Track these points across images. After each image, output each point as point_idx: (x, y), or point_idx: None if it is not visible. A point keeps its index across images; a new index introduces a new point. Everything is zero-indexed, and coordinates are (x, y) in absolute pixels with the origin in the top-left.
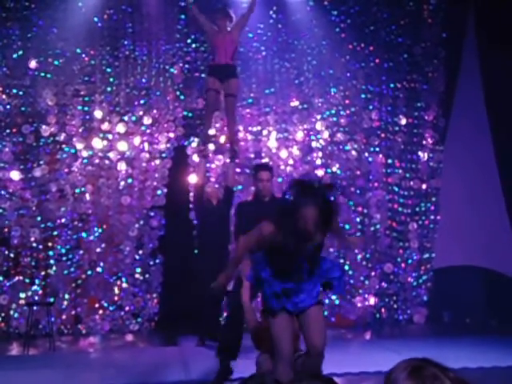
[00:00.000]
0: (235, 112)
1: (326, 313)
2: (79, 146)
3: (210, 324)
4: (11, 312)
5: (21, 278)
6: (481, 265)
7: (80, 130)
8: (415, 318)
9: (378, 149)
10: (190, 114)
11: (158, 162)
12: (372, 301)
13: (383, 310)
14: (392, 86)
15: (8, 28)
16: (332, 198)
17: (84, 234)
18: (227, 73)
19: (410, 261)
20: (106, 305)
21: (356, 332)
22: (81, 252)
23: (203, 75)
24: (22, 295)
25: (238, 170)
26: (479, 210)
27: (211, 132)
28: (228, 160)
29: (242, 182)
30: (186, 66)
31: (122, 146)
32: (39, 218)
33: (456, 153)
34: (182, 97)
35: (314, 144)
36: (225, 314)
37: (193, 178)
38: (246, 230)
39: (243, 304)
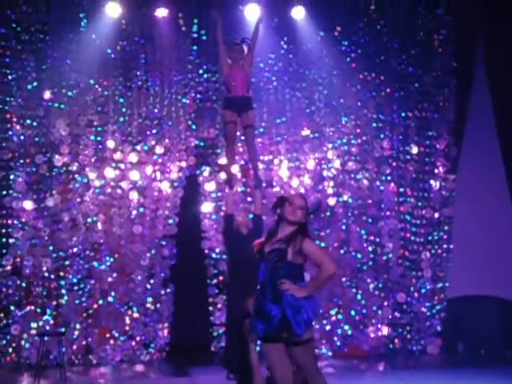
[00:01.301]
0: (255, 142)
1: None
2: (91, 175)
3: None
4: (22, 342)
5: (32, 307)
6: (495, 294)
7: (92, 160)
8: (429, 348)
9: (389, 177)
10: (202, 144)
11: (169, 191)
12: (385, 331)
13: (396, 340)
14: (403, 115)
15: (23, 60)
16: (312, 215)
17: (96, 264)
18: (244, 105)
19: (423, 290)
20: (116, 335)
21: (369, 363)
22: (92, 281)
23: (215, 105)
24: (34, 325)
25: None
26: (492, 239)
27: (222, 161)
28: (254, 188)
29: (253, 210)
30: (198, 96)
31: (134, 175)
32: (51, 248)
33: (468, 181)
34: (193, 126)
35: (325, 173)
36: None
37: (205, 207)
38: None
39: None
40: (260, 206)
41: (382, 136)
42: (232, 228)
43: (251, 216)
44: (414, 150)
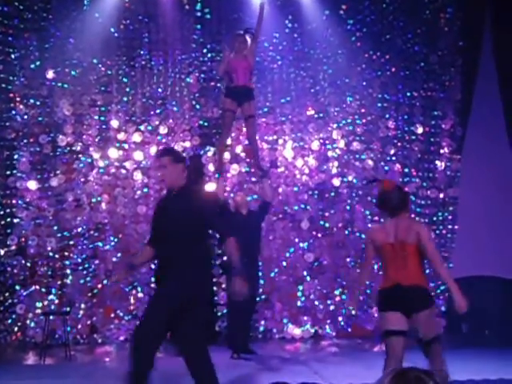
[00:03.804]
0: (256, 132)
1: (342, 323)
2: (95, 155)
3: (243, 337)
4: (27, 321)
5: (37, 287)
6: (500, 275)
7: (96, 140)
8: None
9: (394, 158)
10: (206, 124)
11: None
12: None
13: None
14: (408, 94)
15: (26, 39)
16: None
17: (100, 244)
18: (246, 95)
19: (427, 271)
20: (121, 314)
21: (373, 342)
22: (97, 261)
23: (219, 85)
24: (39, 305)
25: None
26: (497, 219)
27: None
28: (260, 179)
29: (257, 191)
30: (202, 75)
31: (138, 155)
32: (56, 228)
33: (474, 161)
34: (197, 106)
35: (329, 153)
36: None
37: (209, 187)
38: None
39: None
40: (271, 194)
41: (387, 116)
42: (228, 211)
43: (258, 200)
44: (420, 129)
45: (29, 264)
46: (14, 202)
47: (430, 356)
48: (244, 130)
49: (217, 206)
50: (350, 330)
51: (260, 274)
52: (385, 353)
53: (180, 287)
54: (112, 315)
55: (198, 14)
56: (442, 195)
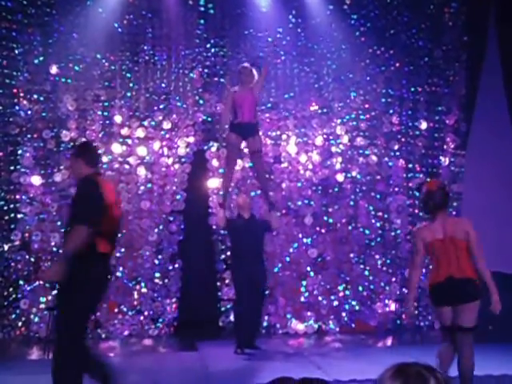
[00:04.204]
0: (264, 166)
1: (345, 318)
2: (99, 150)
3: (248, 331)
4: (31, 316)
5: (41, 282)
6: (504, 270)
7: (100, 135)
8: (437, 324)
9: (398, 153)
10: (210, 119)
11: (177, 166)
12: (393, 307)
13: (404, 315)
14: (412, 89)
15: (29, 34)
16: None
17: None
18: (251, 131)
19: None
20: (125, 309)
21: (376, 338)
22: None
23: (222, 80)
24: (42, 300)
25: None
26: (502, 215)
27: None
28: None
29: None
30: (206, 70)
31: (142, 150)
32: (59, 223)
33: (478, 157)
34: (201, 101)
35: (333, 149)
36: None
37: (213, 183)
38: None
39: None
40: (277, 225)
41: (390, 111)
42: (234, 227)
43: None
44: (424, 125)
45: (33, 259)
46: (17, 197)
47: (461, 344)
48: None
49: (88, 190)
50: (353, 325)
51: (267, 271)
52: (442, 340)
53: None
54: (116, 310)
55: (202, 9)
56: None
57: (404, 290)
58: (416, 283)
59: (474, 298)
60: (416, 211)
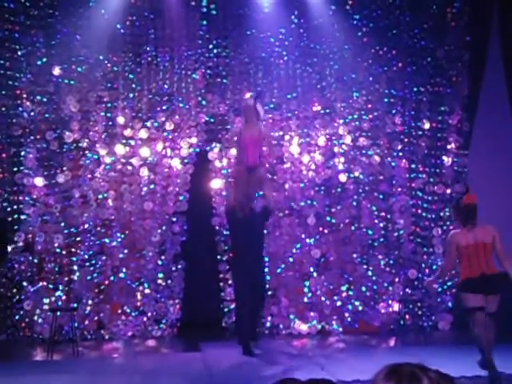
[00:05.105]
0: (268, 183)
1: (349, 319)
2: (102, 152)
3: (246, 336)
4: (35, 317)
5: (44, 283)
6: (507, 270)
7: (103, 136)
8: (440, 324)
9: (401, 153)
10: (212, 120)
11: (180, 167)
12: (396, 307)
13: (407, 316)
14: (415, 90)
15: (32, 35)
16: None
17: (107, 240)
18: (255, 171)
19: (434, 266)
20: (128, 310)
21: (380, 339)
22: (103, 258)
23: (225, 81)
24: (46, 301)
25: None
26: (505, 215)
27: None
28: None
29: None
30: (208, 71)
31: (145, 151)
32: (63, 224)
33: (481, 157)
34: (204, 102)
35: (336, 149)
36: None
37: (216, 183)
38: None
39: None
40: (270, 197)
41: (393, 111)
42: (234, 218)
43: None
44: (426, 125)
45: (36, 260)
46: (20, 198)
47: (489, 324)
48: None
49: None
50: (356, 326)
51: (266, 271)
52: (471, 324)
53: None
54: (119, 311)
55: (204, 9)
56: (448, 191)
57: (407, 290)
58: (445, 273)
59: (502, 290)
60: (419, 211)
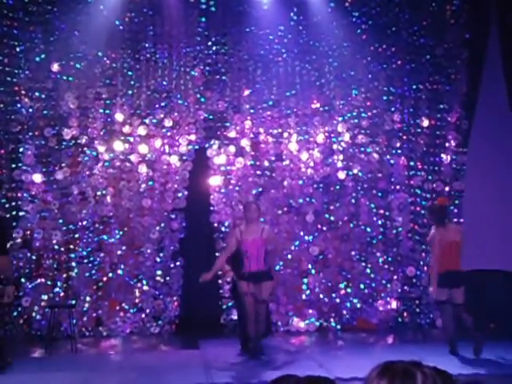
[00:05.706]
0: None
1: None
2: (100, 148)
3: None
4: (33, 314)
5: (43, 280)
6: (505, 268)
7: (101, 133)
8: (438, 322)
9: (399, 151)
10: (211, 117)
11: (178, 164)
12: (394, 304)
13: (405, 313)
14: (414, 87)
15: (31, 32)
16: None
17: (105, 237)
18: (261, 278)
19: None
20: (126, 307)
21: (378, 336)
22: (102, 254)
23: (224, 78)
24: (44, 297)
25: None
26: (504, 213)
27: (231, 135)
28: None
29: (262, 184)
30: (207, 68)
31: (143, 148)
32: (61, 221)
33: (479, 155)
34: (202, 99)
35: (335, 146)
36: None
37: (214, 180)
38: None
39: None
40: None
41: (392, 109)
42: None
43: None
44: (425, 123)
45: (34, 257)
46: (19, 195)
47: (455, 312)
48: (249, 123)
49: None
50: (355, 323)
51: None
52: (440, 316)
53: None
54: (117, 308)
55: (203, 6)
56: (447, 188)
57: (405, 287)
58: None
59: (463, 284)
60: (418, 209)
